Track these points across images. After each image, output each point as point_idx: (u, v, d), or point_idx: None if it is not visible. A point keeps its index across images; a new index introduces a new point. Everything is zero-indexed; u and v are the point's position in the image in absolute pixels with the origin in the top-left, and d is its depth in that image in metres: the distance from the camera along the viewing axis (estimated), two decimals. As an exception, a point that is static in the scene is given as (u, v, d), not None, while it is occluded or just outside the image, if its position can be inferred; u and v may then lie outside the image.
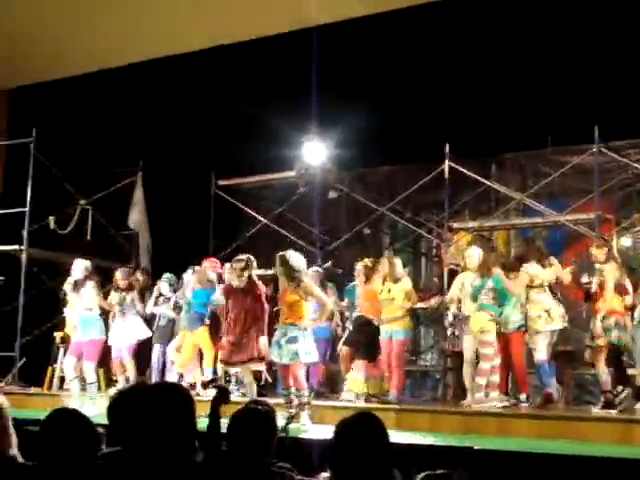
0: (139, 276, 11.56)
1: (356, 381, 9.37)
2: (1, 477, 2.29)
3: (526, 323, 8.96)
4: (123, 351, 10.58)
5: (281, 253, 8.48)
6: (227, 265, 9.91)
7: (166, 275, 11.00)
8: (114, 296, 10.74)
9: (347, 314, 10.43)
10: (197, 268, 10.68)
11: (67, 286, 10.03)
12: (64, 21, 11.18)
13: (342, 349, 10.21)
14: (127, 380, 10.35)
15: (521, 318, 9.01)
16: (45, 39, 11.67)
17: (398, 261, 9.89)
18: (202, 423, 3.56)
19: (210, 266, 10.50)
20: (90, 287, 9.75)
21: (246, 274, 8.73)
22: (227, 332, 8.74)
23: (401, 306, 9.46)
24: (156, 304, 10.96)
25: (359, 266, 10.13)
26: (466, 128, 11.29)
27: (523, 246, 9.88)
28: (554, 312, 8.88)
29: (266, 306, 8.76)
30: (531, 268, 8.99)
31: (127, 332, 10.62)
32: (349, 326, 10.30)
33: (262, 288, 8.82)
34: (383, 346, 9.47)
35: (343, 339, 10.34)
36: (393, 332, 9.42)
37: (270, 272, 11.03)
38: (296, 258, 8.40)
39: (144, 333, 10.79)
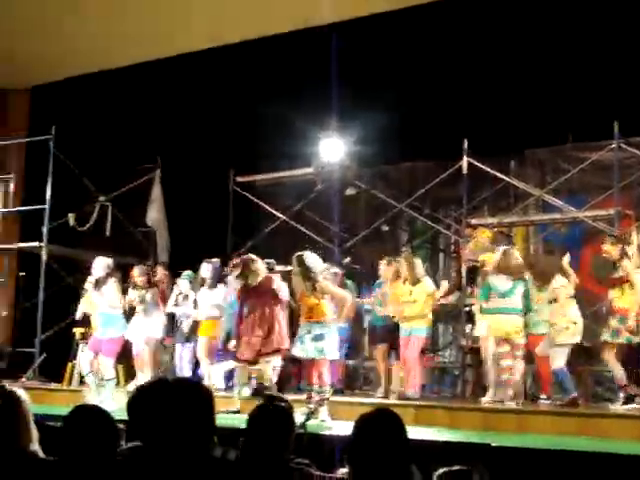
0: (161, 271, 11.57)
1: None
2: (22, 472, 2.30)
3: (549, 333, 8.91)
4: (142, 348, 10.60)
5: (298, 254, 8.50)
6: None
7: (186, 272, 11.00)
8: (132, 293, 10.74)
9: (379, 308, 10.37)
10: (214, 260, 10.69)
11: (88, 285, 9.98)
12: (82, 19, 11.22)
13: (378, 347, 10.18)
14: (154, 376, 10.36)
15: (547, 323, 8.99)
16: (64, 37, 11.72)
17: (418, 261, 9.85)
18: (221, 420, 3.56)
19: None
20: (112, 285, 9.74)
21: (255, 274, 8.76)
22: (245, 332, 8.75)
23: (422, 309, 9.43)
24: (176, 303, 10.97)
25: (383, 265, 10.19)
26: (485, 124, 11.25)
27: (546, 259, 9.76)
28: (579, 325, 8.85)
29: (284, 299, 8.77)
30: (556, 283, 8.95)
31: (149, 329, 10.64)
32: (370, 320, 10.32)
33: (276, 282, 8.82)
34: (403, 343, 9.48)
35: (367, 335, 10.36)
36: (413, 329, 9.42)
37: (289, 268, 11.05)
38: (313, 259, 8.44)
39: (158, 333, 10.83)
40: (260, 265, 8.92)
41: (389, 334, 9.91)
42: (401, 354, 9.59)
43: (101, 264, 9.79)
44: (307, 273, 8.32)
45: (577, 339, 8.81)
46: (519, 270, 8.98)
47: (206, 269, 10.60)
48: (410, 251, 10.94)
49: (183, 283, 10.93)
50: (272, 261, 10.29)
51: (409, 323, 9.45)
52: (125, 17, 11.29)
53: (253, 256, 9.11)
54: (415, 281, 9.58)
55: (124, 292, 10.55)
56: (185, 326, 10.95)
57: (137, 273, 10.83)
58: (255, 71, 12.31)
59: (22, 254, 13.30)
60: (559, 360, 8.69)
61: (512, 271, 8.92)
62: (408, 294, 9.53)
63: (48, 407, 7.99)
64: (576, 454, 6.05)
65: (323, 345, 8.18)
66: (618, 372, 8.57)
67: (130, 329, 10.44)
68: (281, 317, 8.71)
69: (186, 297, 10.89)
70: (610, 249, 8.83)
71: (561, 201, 11.36)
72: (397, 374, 9.90)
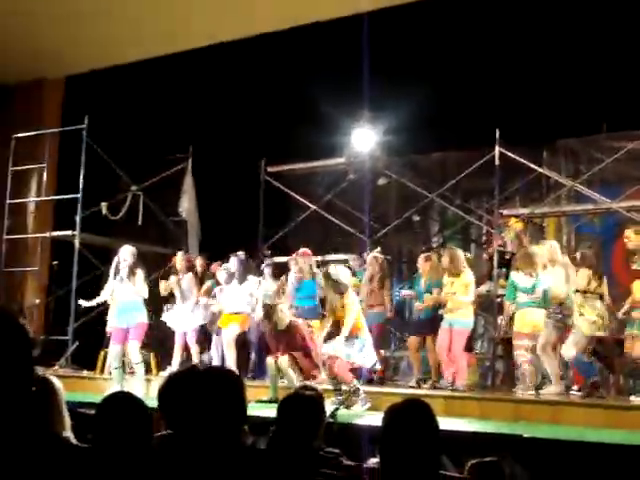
0: (199, 262, 11.61)
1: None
2: (56, 458, 2.33)
3: (572, 323, 8.90)
4: (188, 336, 10.72)
5: (324, 270, 8.77)
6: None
7: (225, 265, 11.01)
8: (172, 279, 10.86)
9: (417, 303, 10.36)
10: (240, 253, 10.73)
11: (122, 271, 9.97)
12: (117, 8, 11.26)
13: (411, 338, 10.21)
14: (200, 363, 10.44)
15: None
16: (98, 27, 11.77)
17: (460, 253, 9.85)
18: (252, 408, 3.57)
19: (308, 256, 10.60)
20: (141, 273, 9.81)
21: (282, 320, 9.03)
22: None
23: (461, 301, 9.43)
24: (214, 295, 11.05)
25: (420, 260, 10.31)
26: (517, 113, 11.17)
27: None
28: (606, 320, 8.85)
29: (307, 338, 9.05)
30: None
31: (189, 317, 10.74)
32: (415, 314, 10.33)
33: (300, 328, 9.11)
34: (443, 335, 9.48)
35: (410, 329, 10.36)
36: (454, 321, 9.42)
37: (319, 258, 11.12)
38: (339, 271, 8.63)
39: (199, 320, 10.91)
40: (285, 310, 9.25)
41: (425, 325, 9.96)
42: (437, 343, 9.58)
43: (130, 252, 9.82)
44: (336, 286, 8.50)
45: (599, 333, 8.84)
46: (533, 269, 9.14)
47: (233, 263, 10.64)
48: (441, 242, 10.88)
49: (221, 274, 10.93)
50: (317, 267, 10.44)
51: (450, 314, 9.47)
52: (158, 8, 11.31)
53: (282, 304, 9.43)
54: (457, 273, 9.55)
55: (163, 278, 10.70)
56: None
57: (179, 259, 10.97)
58: (286, 61, 12.29)
59: (55, 242, 13.40)
60: (573, 350, 8.68)
61: (528, 270, 9.15)
62: (449, 286, 9.53)
63: (81, 395, 8.06)
64: (608, 446, 6.01)
65: (351, 352, 8.37)
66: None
67: (169, 316, 10.59)
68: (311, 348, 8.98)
69: (221, 290, 10.95)
70: (631, 236, 8.78)
71: (595, 192, 11.26)
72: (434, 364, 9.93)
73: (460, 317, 9.44)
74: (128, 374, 10.25)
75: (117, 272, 9.77)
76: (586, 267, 8.96)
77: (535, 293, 9.08)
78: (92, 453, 2.91)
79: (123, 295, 9.76)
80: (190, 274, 10.98)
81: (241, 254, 10.80)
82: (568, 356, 8.73)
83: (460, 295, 9.43)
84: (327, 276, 8.61)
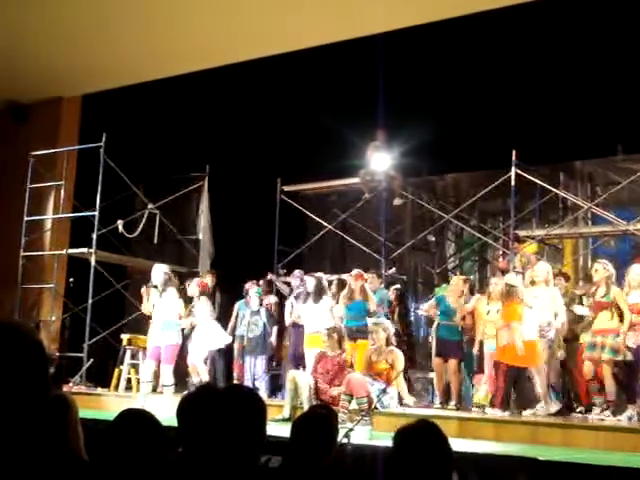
0: (210, 279, 11.64)
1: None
2: (72, 475, 2.34)
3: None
4: (196, 356, 10.67)
5: (382, 325, 9.68)
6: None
7: (254, 289, 11.16)
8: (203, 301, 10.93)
9: (436, 322, 10.33)
10: (317, 274, 10.72)
11: (154, 290, 9.91)
12: (135, 28, 11.34)
13: (435, 360, 10.21)
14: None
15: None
16: (115, 46, 11.85)
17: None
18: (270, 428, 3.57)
19: (362, 277, 10.51)
20: (174, 292, 9.82)
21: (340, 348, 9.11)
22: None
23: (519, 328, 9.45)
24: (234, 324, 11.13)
25: (459, 280, 10.37)
26: (534, 135, 11.18)
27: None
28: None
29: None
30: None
31: (206, 339, 10.74)
32: (433, 333, 10.29)
33: (346, 363, 9.06)
34: (488, 360, 9.53)
35: (434, 350, 10.31)
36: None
37: (334, 277, 11.08)
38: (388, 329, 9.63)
39: (224, 341, 10.90)
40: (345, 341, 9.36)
41: (450, 348, 10.00)
42: (487, 370, 9.61)
43: (162, 270, 9.83)
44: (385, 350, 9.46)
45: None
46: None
47: (311, 283, 10.47)
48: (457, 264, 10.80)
49: (254, 300, 11.05)
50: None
51: (493, 340, 9.44)
52: (176, 27, 11.39)
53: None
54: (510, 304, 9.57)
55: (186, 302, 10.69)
56: (254, 340, 11.05)
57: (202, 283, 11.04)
58: (303, 82, 12.35)
59: (71, 260, 13.45)
60: None
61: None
62: (495, 312, 9.50)
63: (95, 412, 8.07)
64: (623, 470, 5.97)
65: (381, 397, 8.79)
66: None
67: (194, 339, 10.62)
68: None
69: (257, 312, 11.03)
70: None
71: (611, 213, 11.23)
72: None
73: None
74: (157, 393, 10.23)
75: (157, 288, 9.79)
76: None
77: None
78: (106, 470, 2.91)
79: (160, 313, 9.76)
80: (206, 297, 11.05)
81: (319, 275, 10.78)
82: None
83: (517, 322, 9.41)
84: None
